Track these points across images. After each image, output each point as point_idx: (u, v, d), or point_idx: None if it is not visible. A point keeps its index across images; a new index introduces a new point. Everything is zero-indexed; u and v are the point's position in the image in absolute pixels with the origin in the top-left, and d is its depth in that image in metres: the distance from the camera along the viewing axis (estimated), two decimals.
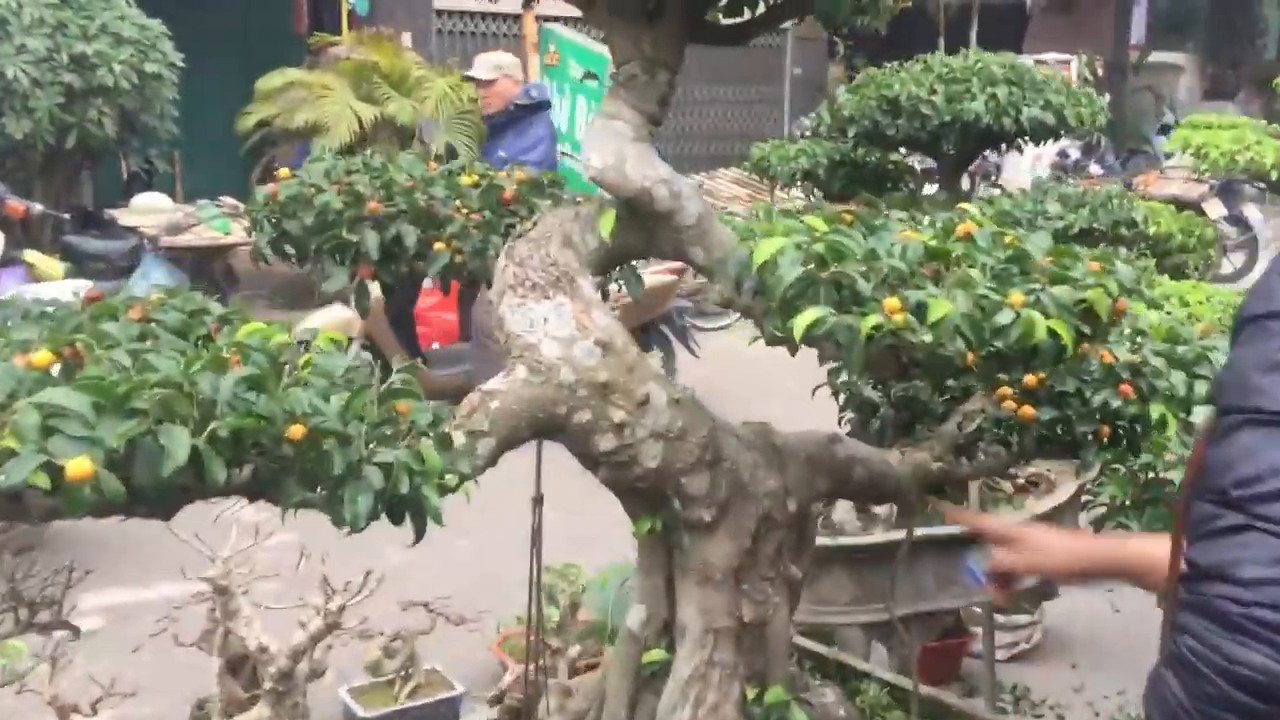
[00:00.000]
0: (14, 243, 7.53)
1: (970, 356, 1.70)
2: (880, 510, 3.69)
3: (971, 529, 1.96)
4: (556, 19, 9.49)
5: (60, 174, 8.48)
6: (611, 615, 4.01)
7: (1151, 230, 4.66)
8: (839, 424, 2.89)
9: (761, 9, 2.31)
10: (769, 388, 6.52)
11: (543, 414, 1.99)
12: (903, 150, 5.50)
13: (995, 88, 4.77)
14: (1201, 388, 2.34)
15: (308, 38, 10.29)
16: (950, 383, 2.45)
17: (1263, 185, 6.72)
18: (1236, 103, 20.28)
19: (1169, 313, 2.41)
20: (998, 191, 5.31)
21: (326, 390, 1.58)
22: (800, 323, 1.73)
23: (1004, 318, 1.72)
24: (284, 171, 2.50)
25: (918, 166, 6.15)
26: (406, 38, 10.27)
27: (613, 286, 2.39)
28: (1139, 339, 2.42)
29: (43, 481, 1.30)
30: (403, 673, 3.79)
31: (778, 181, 5.52)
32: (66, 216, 8.10)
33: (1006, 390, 2.34)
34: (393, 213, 2.40)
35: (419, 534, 1.63)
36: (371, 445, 1.54)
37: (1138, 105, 18.91)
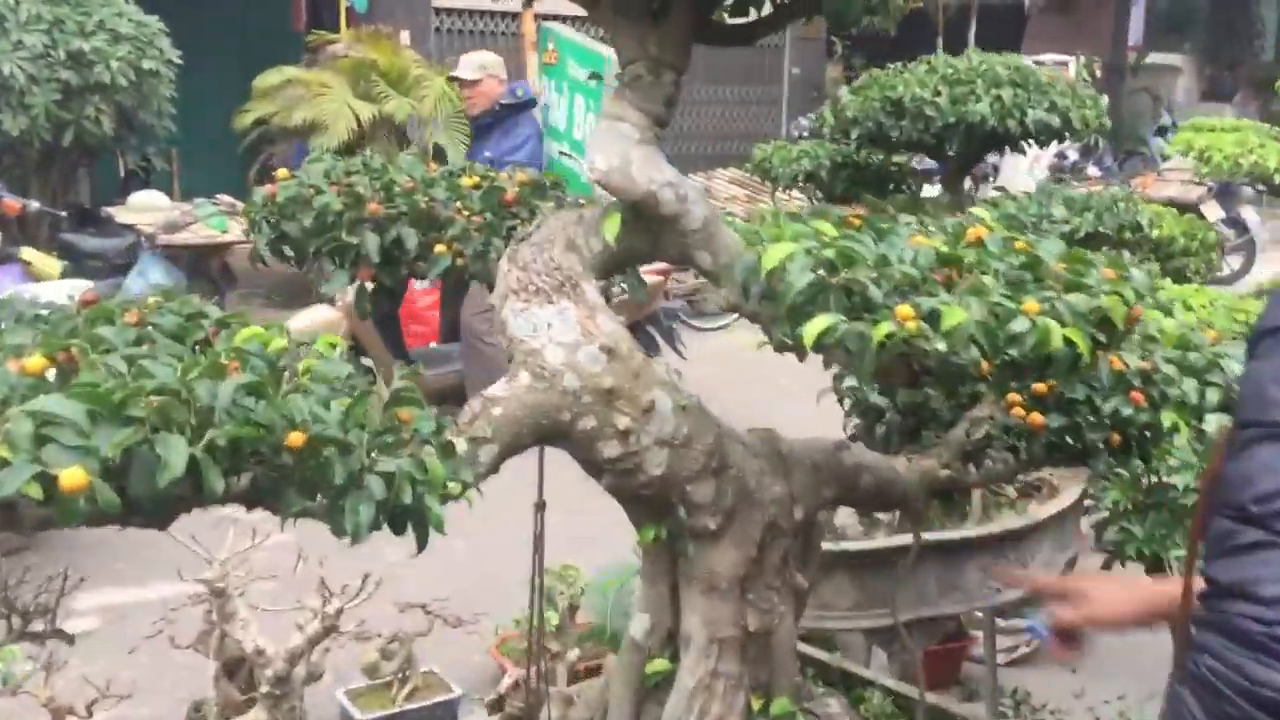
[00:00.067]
0: (10, 240, 7.49)
1: (985, 365, 1.66)
2: (883, 515, 3.65)
3: (1032, 589, 1.95)
4: (555, 17, 9.45)
5: (57, 171, 8.44)
6: (611, 618, 3.99)
7: (1155, 234, 4.64)
8: (844, 430, 2.86)
9: (768, 9, 2.28)
10: (768, 389, 6.49)
11: (546, 420, 1.96)
12: (905, 152, 5.47)
13: (1000, 89, 4.73)
14: (1213, 395, 2.31)
15: (306, 35, 10.25)
16: (958, 389, 2.41)
17: (1263, 188, 6.69)
18: (1234, 104, 20.29)
19: (1183, 320, 2.37)
20: (1000, 193, 5.26)
21: (327, 397, 1.54)
22: (810, 330, 1.69)
23: (1019, 326, 1.69)
24: (282, 172, 2.47)
25: (916, 168, 6.12)
26: (405, 36, 10.23)
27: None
28: (1149, 345, 2.38)
29: (36, 492, 1.26)
30: (400, 675, 3.78)
31: (779, 183, 5.48)
32: (63, 214, 8.06)
33: (1015, 397, 2.31)
34: (393, 215, 2.37)
35: (421, 544, 1.60)
36: (373, 454, 1.51)
37: (1135, 107, 18.91)
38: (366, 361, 6.05)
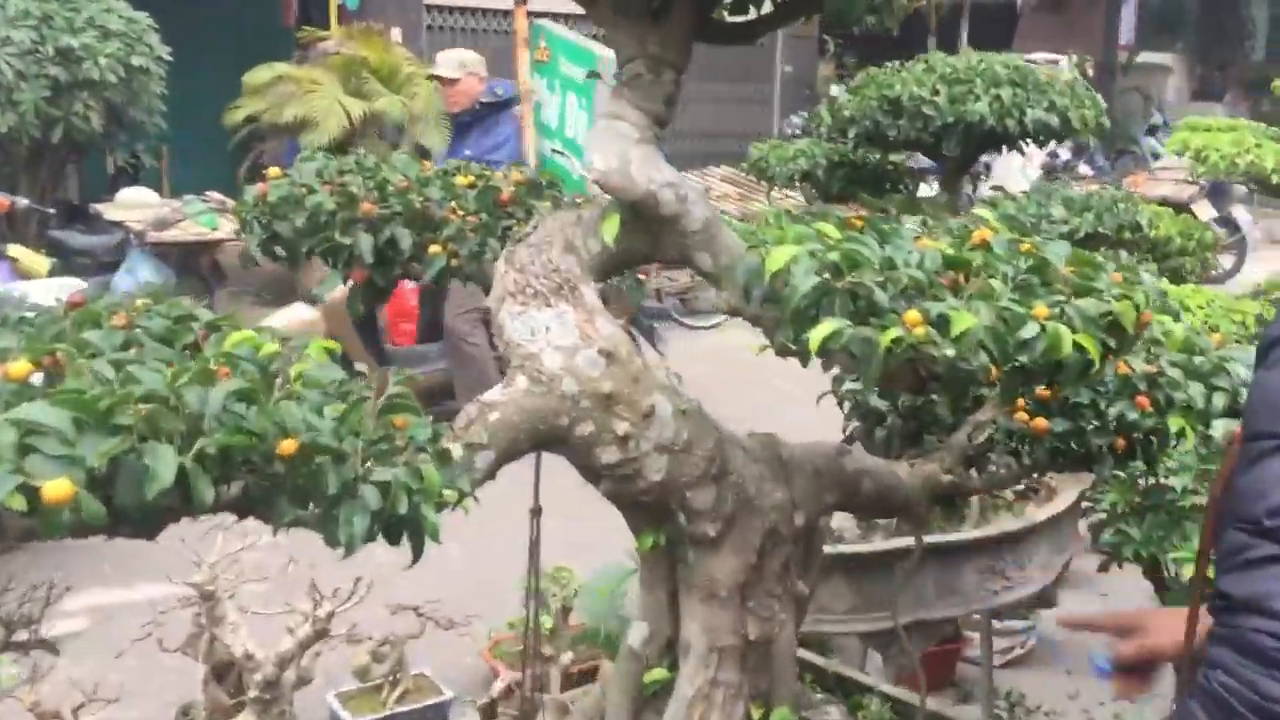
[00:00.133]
0: None
1: (994, 372, 1.63)
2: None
3: (1090, 627, 1.91)
4: (547, 15, 9.41)
5: (45, 168, 8.36)
6: (605, 620, 3.96)
7: (1153, 234, 4.61)
8: (843, 431, 2.83)
9: (769, 7, 2.25)
10: (762, 389, 6.46)
11: (544, 426, 1.92)
12: (902, 152, 5.44)
13: (999, 89, 4.70)
14: (1220, 400, 2.27)
15: (296, 32, 10.19)
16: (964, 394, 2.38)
17: (1255, 187, 6.68)
18: (1224, 104, 20.35)
19: (1189, 323, 2.34)
20: (999, 193, 5.24)
21: (320, 403, 1.50)
22: (816, 335, 1.66)
23: (1029, 331, 1.65)
24: (274, 171, 2.42)
25: (912, 167, 6.09)
26: (396, 33, 10.17)
27: None
28: (1155, 349, 2.35)
29: (18, 504, 1.22)
30: (391, 678, 3.75)
31: (776, 182, 5.45)
32: (52, 211, 7.99)
33: (1019, 401, 2.27)
34: (387, 214, 2.32)
35: (417, 554, 1.55)
36: (368, 463, 1.46)
37: (1126, 106, 18.93)
38: (360, 366, 6.03)
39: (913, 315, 1.63)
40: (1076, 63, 14.46)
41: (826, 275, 1.72)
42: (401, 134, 8.61)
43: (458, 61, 7.15)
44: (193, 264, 7.80)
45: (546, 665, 3.55)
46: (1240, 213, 12.17)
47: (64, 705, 3.03)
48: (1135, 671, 1.74)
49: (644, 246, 2.12)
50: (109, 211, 8.04)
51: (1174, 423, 2.23)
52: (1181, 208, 9.57)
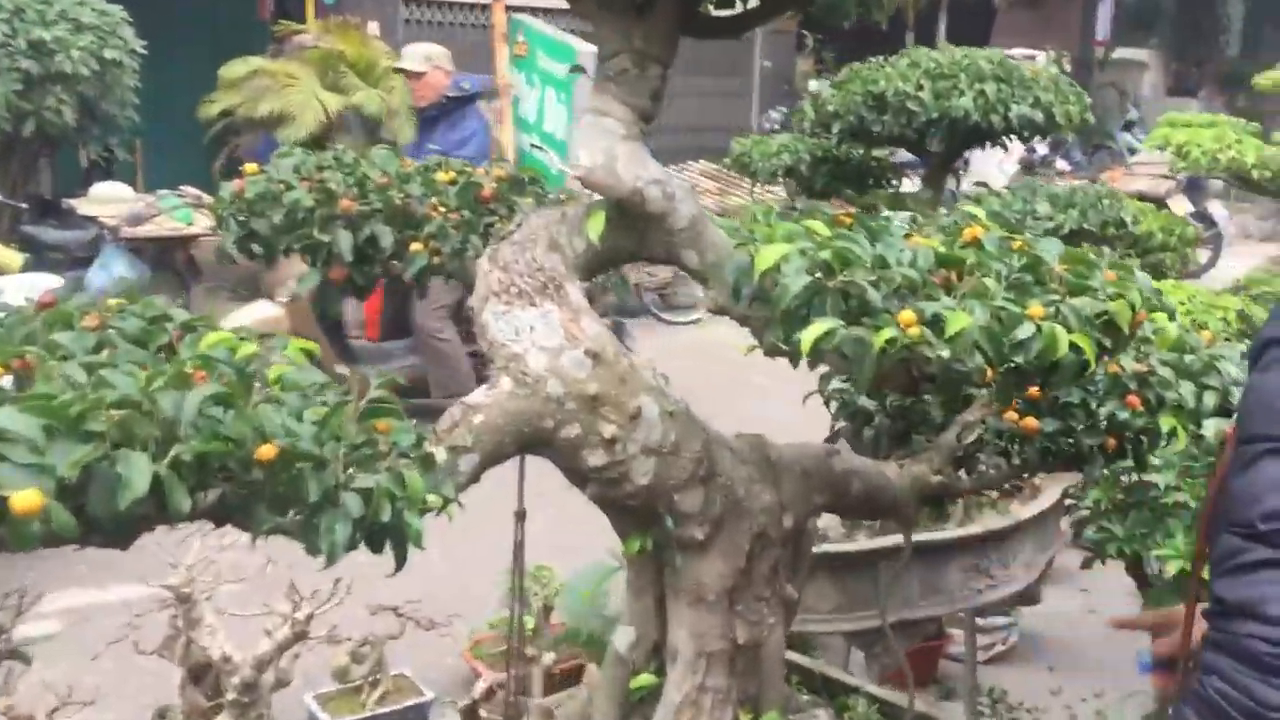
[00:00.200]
0: None
1: (989, 373, 1.59)
2: None
3: (1134, 627, 1.90)
4: (525, 9, 9.36)
5: (18, 162, 8.27)
6: (587, 620, 3.92)
7: (1136, 230, 4.61)
8: (831, 429, 2.80)
9: (755, 1, 2.21)
10: (742, 385, 6.45)
11: (529, 428, 1.88)
12: (886, 147, 5.43)
13: (983, 84, 4.68)
14: (1211, 399, 2.25)
15: (272, 25, 10.10)
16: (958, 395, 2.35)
17: (1235, 183, 6.70)
18: (1199, 99, 20.47)
19: (1182, 322, 2.31)
20: (983, 189, 5.22)
21: (299, 408, 1.46)
22: (808, 336, 1.62)
23: (1024, 331, 1.62)
24: (251, 167, 2.37)
25: (895, 162, 6.08)
26: (374, 27, 10.10)
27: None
28: (1144, 347, 2.32)
29: None
30: (371, 679, 3.71)
31: (759, 178, 5.42)
32: (24, 206, 7.90)
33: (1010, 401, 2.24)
34: (367, 211, 2.27)
35: (400, 563, 1.51)
36: (350, 469, 1.42)
37: (1102, 101, 18.98)
38: (341, 370, 5.97)
39: (907, 315, 1.59)
40: (1054, 58, 14.50)
41: (818, 274, 1.69)
42: (366, 128, 8.54)
43: (424, 55, 7.10)
44: (168, 259, 7.72)
45: (529, 666, 3.52)
46: (1216, 208, 12.23)
47: (38, 709, 2.98)
48: (1174, 667, 1.72)
49: (630, 244, 2.08)
50: (82, 206, 7.95)
51: (1165, 422, 2.21)
52: (1158, 203, 9.61)
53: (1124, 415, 2.25)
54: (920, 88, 4.72)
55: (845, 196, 5.00)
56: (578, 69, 3.54)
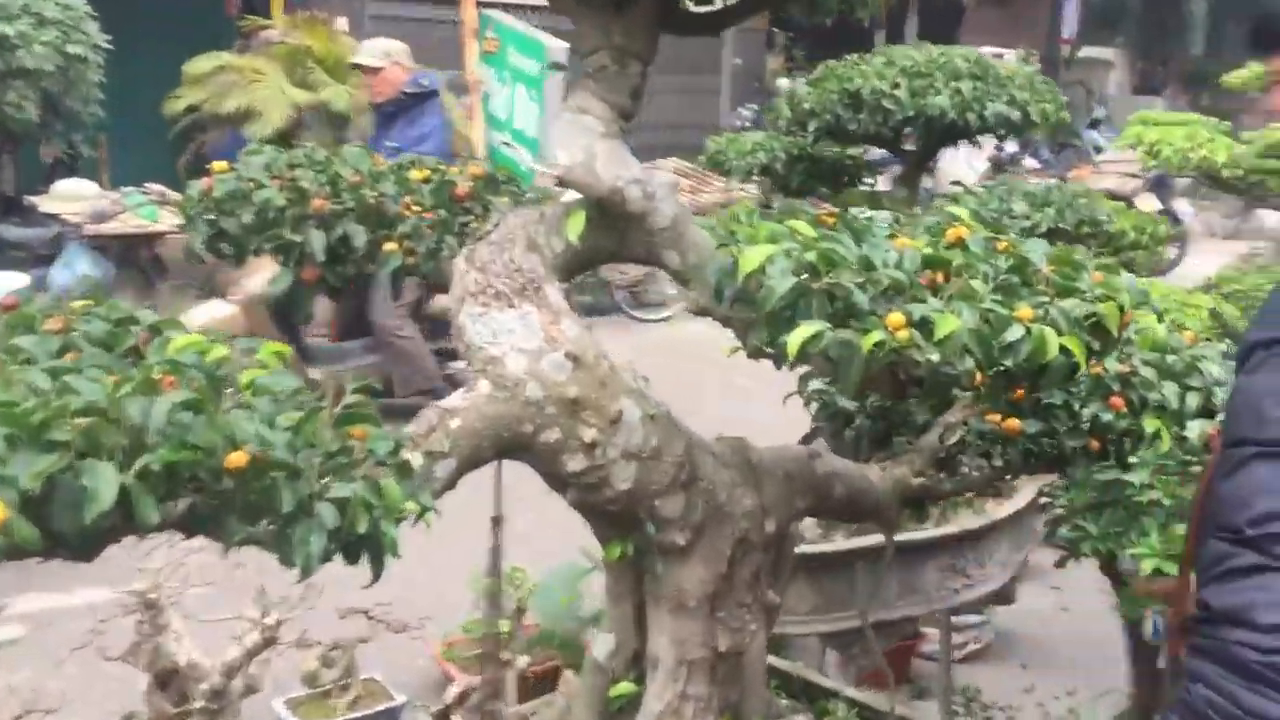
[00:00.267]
0: None
1: (979, 377, 1.56)
2: None
3: (1154, 594, 1.90)
4: (495, 5, 9.28)
5: None
6: (560, 622, 3.89)
7: (1111, 229, 4.61)
8: (811, 428, 2.77)
9: None
10: (714, 383, 6.43)
11: (507, 433, 1.84)
12: (861, 145, 5.41)
13: (959, 82, 4.67)
14: (1194, 400, 2.23)
15: (238, 21, 10.00)
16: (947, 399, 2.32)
17: (1206, 182, 6.73)
18: (1164, 97, 20.63)
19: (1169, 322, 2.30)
20: (959, 188, 5.22)
21: (272, 414, 1.41)
22: (795, 339, 1.58)
23: (1013, 334, 1.59)
24: (220, 165, 2.31)
25: (870, 160, 6.07)
26: (342, 22, 10.00)
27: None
28: (1126, 348, 2.30)
29: None
30: (341, 683, 3.66)
31: (734, 176, 5.40)
32: None
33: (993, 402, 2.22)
34: (339, 210, 2.22)
35: (376, 574, 1.46)
36: (325, 478, 1.37)
37: (1069, 99, 19.09)
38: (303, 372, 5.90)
39: (896, 318, 1.56)
40: (1023, 56, 14.57)
41: (804, 276, 1.65)
42: (334, 124, 8.45)
43: (382, 50, 7.04)
44: (133, 257, 7.63)
45: (504, 670, 3.48)
46: (1182, 206, 12.32)
47: (2, 714, 2.92)
48: (1182, 634, 1.72)
49: (610, 244, 2.04)
50: (45, 204, 7.84)
51: (1149, 424, 2.19)
52: (1125, 200, 9.66)
53: (1107, 417, 2.23)
54: (896, 86, 4.70)
55: (821, 195, 4.98)
56: (558, 65, 3.50)
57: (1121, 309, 1.72)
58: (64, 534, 1.22)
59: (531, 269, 1.94)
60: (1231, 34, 21.51)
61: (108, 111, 8.57)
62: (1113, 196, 8.60)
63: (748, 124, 12.75)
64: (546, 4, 2.21)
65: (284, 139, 7.38)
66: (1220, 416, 2.14)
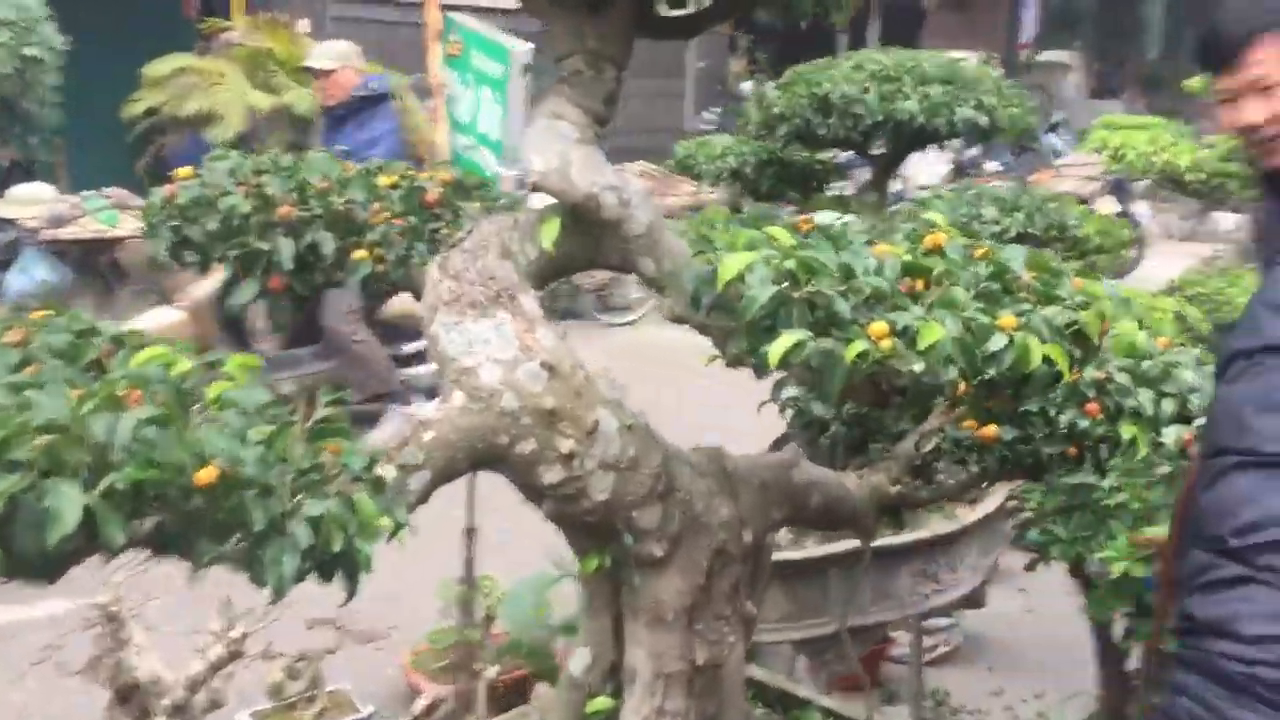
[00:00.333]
0: None
1: (963, 386, 1.54)
2: None
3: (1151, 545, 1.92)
4: (460, 8, 9.22)
5: None
6: (529, 631, 3.85)
7: (1078, 233, 4.63)
8: (788, 429, 2.75)
9: (709, 1, 2.16)
10: (681, 386, 6.39)
11: (482, 444, 1.80)
12: (830, 149, 5.42)
13: (928, 86, 4.68)
14: (1169, 405, 2.22)
15: (198, 23, 9.90)
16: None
17: (1168, 185, 6.79)
18: (1121, 100, 20.80)
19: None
20: (926, 192, 5.23)
21: (243, 429, 1.36)
22: (776, 349, 1.56)
23: (997, 343, 1.57)
24: (183, 171, 2.26)
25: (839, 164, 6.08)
26: (305, 24, 9.92)
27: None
28: (1102, 354, 2.29)
29: None
30: (307, 695, 3.61)
31: (704, 180, 5.38)
32: None
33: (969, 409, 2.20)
34: (307, 217, 2.17)
35: (351, 593, 1.42)
36: (298, 496, 1.33)
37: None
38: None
39: (879, 327, 1.54)
40: (984, 60, 14.65)
41: (784, 284, 1.62)
42: (296, 127, 8.37)
43: (334, 53, 6.98)
44: (92, 262, 7.50)
45: (474, 680, 3.44)
46: (1140, 208, 12.41)
47: None
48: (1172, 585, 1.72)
49: (585, 252, 2.01)
50: (1, 208, 7.71)
51: (1126, 431, 2.18)
52: (1084, 203, 9.72)
53: (1084, 423, 2.23)
54: (866, 90, 4.70)
55: (790, 199, 4.98)
56: (531, 69, 3.47)
57: (1102, 316, 1.71)
58: (26, 556, 1.17)
59: (505, 276, 1.91)
60: (1188, 37, 21.76)
61: (65, 114, 8.47)
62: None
63: (712, 127, 12.74)
64: (513, 7, 2.18)
65: (243, 142, 7.31)
66: (1197, 422, 2.14)
